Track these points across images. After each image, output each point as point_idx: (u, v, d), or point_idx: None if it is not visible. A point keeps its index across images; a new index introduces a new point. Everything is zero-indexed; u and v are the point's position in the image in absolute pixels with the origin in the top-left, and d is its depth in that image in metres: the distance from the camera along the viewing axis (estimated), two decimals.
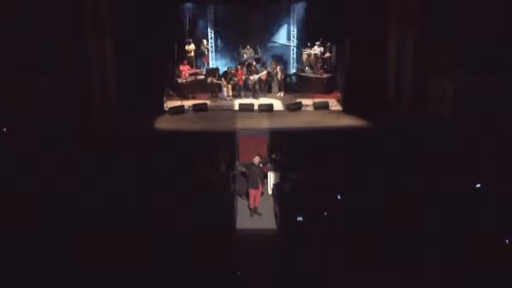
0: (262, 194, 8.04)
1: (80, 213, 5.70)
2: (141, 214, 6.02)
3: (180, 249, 5.37)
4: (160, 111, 10.97)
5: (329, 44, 12.39)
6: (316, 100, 11.51)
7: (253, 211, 7.89)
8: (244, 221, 7.64)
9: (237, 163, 9.05)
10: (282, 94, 12.54)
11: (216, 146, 9.01)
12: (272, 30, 13.25)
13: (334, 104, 11.54)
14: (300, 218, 6.45)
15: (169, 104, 11.45)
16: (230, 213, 7.13)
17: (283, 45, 13.16)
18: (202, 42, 12.88)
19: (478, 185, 6.25)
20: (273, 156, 9.10)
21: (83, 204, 5.97)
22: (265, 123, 10.46)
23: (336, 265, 5.08)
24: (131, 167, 7.49)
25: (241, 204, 8.21)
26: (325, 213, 6.40)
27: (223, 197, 7.21)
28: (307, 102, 11.59)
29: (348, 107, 10.89)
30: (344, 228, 5.80)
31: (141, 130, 9.57)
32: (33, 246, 4.84)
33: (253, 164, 7.78)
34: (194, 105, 11.38)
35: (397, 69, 9.77)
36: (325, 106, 11.30)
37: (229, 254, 5.80)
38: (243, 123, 10.37)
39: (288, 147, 9.06)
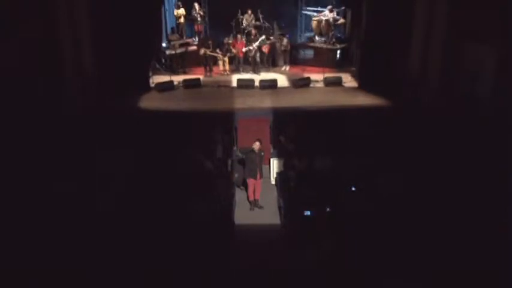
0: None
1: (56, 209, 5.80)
2: (123, 209, 6.07)
3: (171, 247, 5.42)
4: (145, 87, 10.89)
5: (343, 8, 12.14)
6: (328, 75, 11.42)
7: (254, 204, 7.88)
8: (243, 215, 7.65)
9: (235, 149, 9.04)
10: (287, 68, 12.44)
11: (211, 128, 8.97)
12: None
13: (348, 80, 11.46)
14: (307, 213, 6.45)
15: (156, 79, 11.36)
16: (228, 207, 7.17)
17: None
18: (193, 6, 12.60)
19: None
20: (277, 140, 9.06)
21: (57, 200, 6.02)
22: (267, 102, 10.38)
23: (346, 267, 5.15)
24: (110, 154, 7.47)
25: (240, 196, 8.23)
26: (337, 207, 6.41)
27: (219, 187, 7.21)
28: (316, 77, 11.52)
29: (365, 83, 10.79)
30: (358, 224, 5.81)
31: (122, 110, 9.48)
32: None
33: (252, 150, 7.67)
34: (185, 80, 11.29)
35: (424, 37, 9.44)
36: (337, 82, 11.22)
37: (227, 252, 5.87)
38: (242, 102, 10.29)
39: (294, 130, 9.00)
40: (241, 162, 8.21)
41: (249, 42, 11.98)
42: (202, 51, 11.87)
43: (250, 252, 6.26)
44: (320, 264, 5.36)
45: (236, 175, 8.41)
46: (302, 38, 13.23)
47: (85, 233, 5.38)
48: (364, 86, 10.76)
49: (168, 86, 11.04)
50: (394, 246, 5.33)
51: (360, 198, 6.39)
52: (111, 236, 5.39)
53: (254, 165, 7.71)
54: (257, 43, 11.73)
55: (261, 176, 7.89)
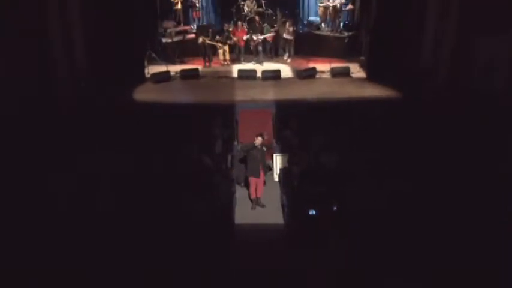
0: (264, 183, 7.95)
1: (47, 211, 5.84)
2: (117, 208, 6.04)
3: (168, 248, 5.43)
4: (141, 78, 10.89)
5: None
6: (334, 65, 11.38)
7: (255, 202, 7.84)
8: (244, 214, 7.61)
9: (235, 143, 8.99)
10: (291, 58, 12.32)
11: (210, 122, 8.93)
12: None
13: (356, 70, 11.44)
14: (312, 212, 6.42)
15: (152, 69, 11.34)
16: (227, 205, 7.11)
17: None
18: None
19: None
20: (281, 134, 9.02)
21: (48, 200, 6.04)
22: (270, 93, 10.35)
23: (353, 269, 5.15)
24: (104, 149, 7.45)
25: (240, 194, 8.18)
26: (344, 206, 6.37)
27: (219, 185, 7.15)
28: (322, 67, 11.50)
29: (374, 74, 10.77)
30: (366, 224, 5.78)
31: (115, 102, 9.46)
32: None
33: (254, 146, 7.63)
34: (182, 71, 11.26)
35: (437, 25, 9.37)
36: (345, 72, 11.19)
37: (227, 254, 5.85)
38: (243, 94, 10.27)
39: (299, 123, 8.96)
40: (242, 158, 8.16)
41: (251, 30, 11.89)
42: (200, 39, 11.82)
43: (251, 253, 6.22)
44: (325, 266, 5.35)
45: (237, 172, 8.36)
46: (304, 25, 13.09)
47: (80, 234, 5.44)
48: (373, 76, 10.74)
49: (164, 77, 11.01)
50: (402, 246, 5.34)
51: (367, 196, 6.33)
52: (106, 236, 5.44)
53: (256, 161, 7.66)
54: (263, 36, 11.63)
55: (264, 173, 7.85)
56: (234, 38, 11.88)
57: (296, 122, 9.03)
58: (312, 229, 6.21)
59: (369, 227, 5.74)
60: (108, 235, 5.45)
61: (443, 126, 8.01)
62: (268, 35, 11.92)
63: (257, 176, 7.69)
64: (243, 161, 8.07)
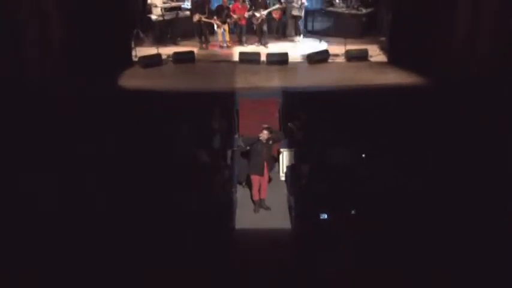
0: (270, 180, 7.98)
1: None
2: (99, 209, 6.15)
3: (158, 258, 5.50)
4: (127, 62, 10.90)
5: None
6: (350, 47, 11.38)
7: (259, 204, 7.88)
8: (245, 218, 7.66)
9: (236, 137, 9.01)
10: (300, 39, 12.32)
11: (207, 113, 8.95)
12: None
13: (375, 53, 11.43)
14: (323, 215, 6.45)
15: (140, 51, 11.34)
16: (227, 208, 7.14)
17: None
18: None
19: None
20: (288, 127, 9.02)
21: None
22: (276, 80, 10.37)
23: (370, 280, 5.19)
24: (84, 145, 7.48)
25: (242, 194, 8.23)
26: (360, 209, 6.41)
27: (216, 184, 7.20)
28: (336, 50, 11.49)
29: (396, 57, 10.75)
30: (387, 231, 5.85)
31: (97, 90, 9.45)
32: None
33: (258, 140, 7.67)
34: (175, 54, 11.26)
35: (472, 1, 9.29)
36: (362, 56, 11.18)
37: (227, 263, 5.89)
38: (245, 81, 10.29)
39: (309, 114, 8.96)
40: (244, 154, 8.18)
41: (254, 6, 11.89)
42: (196, 17, 11.81)
43: (253, 262, 6.27)
44: (338, 278, 5.40)
45: (237, 169, 8.40)
46: (318, 2, 13.07)
47: (70, 236, 5.60)
48: (395, 60, 10.72)
49: (154, 61, 11.03)
50: (424, 257, 5.43)
51: (387, 198, 6.36)
52: (96, 238, 5.59)
53: (260, 158, 7.66)
54: (267, 11, 11.63)
55: (269, 171, 7.88)
56: (235, 16, 11.87)
57: (306, 113, 9.03)
58: (323, 235, 6.25)
59: (389, 234, 5.80)
60: (96, 237, 5.59)
61: (479, 119, 7.96)
62: (274, 9, 11.87)
63: (261, 174, 7.72)
64: (245, 157, 8.11)
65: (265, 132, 7.64)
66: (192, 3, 12.56)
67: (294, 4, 11.94)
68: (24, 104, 8.21)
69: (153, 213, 6.10)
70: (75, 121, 8.20)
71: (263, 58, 11.17)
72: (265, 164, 7.71)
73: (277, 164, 8.68)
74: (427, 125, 8.07)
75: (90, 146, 7.54)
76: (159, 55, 11.17)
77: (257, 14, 11.81)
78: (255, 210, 7.85)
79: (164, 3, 12.34)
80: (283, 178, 8.58)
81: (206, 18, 11.81)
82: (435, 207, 6.10)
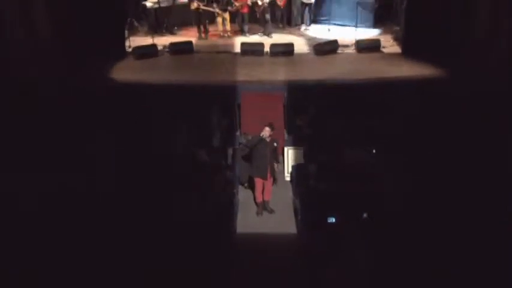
0: (274, 181, 8.00)
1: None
2: (86, 214, 6.12)
3: (153, 265, 5.48)
4: (120, 53, 10.93)
5: None
6: (361, 37, 11.38)
7: (262, 207, 7.88)
8: (248, 221, 7.66)
9: (237, 134, 9.02)
10: (307, 28, 12.31)
11: (206, 108, 8.97)
12: None
13: (388, 43, 11.45)
14: (331, 219, 6.47)
15: (134, 42, 11.39)
16: (227, 211, 7.14)
17: None
18: None
19: None
20: (294, 123, 9.04)
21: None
22: (281, 73, 10.37)
23: None
24: (74, 142, 7.49)
25: (243, 196, 8.24)
26: (372, 212, 6.40)
27: (216, 186, 7.21)
28: (346, 40, 11.50)
29: (411, 48, 10.73)
30: (403, 237, 5.80)
31: (88, 83, 9.47)
32: None
33: (261, 138, 7.65)
34: (172, 44, 11.29)
35: None
36: (374, 46, 11.22)
37: (227, 271, 5.87)
38: (247, 74, 10.28)
39: (317, 110, 8.98)
40: (247, 153, 8.17)
41: None
42: (194, 4, 11.82)
43: (256, 270, 6.25)
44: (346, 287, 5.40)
45: (239, 169, 8.41)
46: None
47: (56, 237, 5.65)
48: (411, 51, 10.71)
49: (149, 51, 11.06)
50: (444, 264, 5.41)
51: (403, 200, 6.35)
52: (83, 244, 5.60)
53: (264, 158, 7.65)
54: None
55: (273, 172, 7.89)
56: (236, 3, 11.86)
57: (313, 108, 9.04)
58: (331, 241, 6.23)
59: (404, 240, 5.77)
60: (89, 243, 5.62)
61: (498, 117, 7.87)
62: None
63: (265, 177, 7.72)
64: (248, 156, 8.10)
65: (267, 129, 7.62)
66: None
67: None
68: (10, 98, 8.22)
69: (146, 217, 6.09)
70: (65, 118, 8.19)
71: (267, 49, 11.19)
72: (268, 164, 7.70)
73: (282, 163, 8.68)
74: (444, 121, 8.03)
75: (80, 144, 7.55)
76: (154, 45, 11.20)
77: (260, 2, 11.78)
78: (258, 213, 7.85)
79: None
80: (288, 178, 8.58)
81: (205, 5, 11.82)
82: (456, 209, 6.07)
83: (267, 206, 7.88)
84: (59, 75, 9.31)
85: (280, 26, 12.59)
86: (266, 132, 7.60)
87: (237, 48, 11.32)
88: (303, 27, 12.41)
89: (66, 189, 6.51)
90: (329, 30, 12.21)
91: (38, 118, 8.06)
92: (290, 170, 8.58)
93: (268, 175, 7.72)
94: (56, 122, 8.04)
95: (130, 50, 11.14)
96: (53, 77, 9.26)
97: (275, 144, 7.80)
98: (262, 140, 7.61)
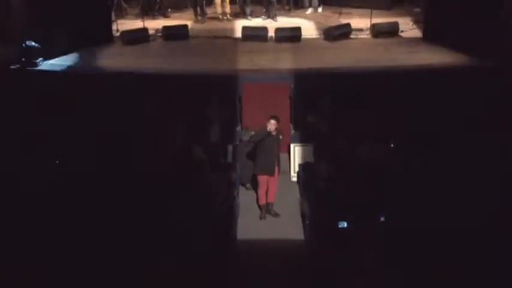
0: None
1: None
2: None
3: (140, 275, 5.45)
4: (106, 37, 10.96)
5: None
6: (377, 20, 11.39)
7: (266, 210, 7.90)
8: (250, 226, 7.67)
9: (239, 129, 9.05)
10: (317, 10, 12.31)
11: (203, 100, 8.98)
12: None
13: (407, 27, 11.48)
14: (343, 224, 6.45)
15: (122, 25, 11.42)
16: (226, 214, 7.11)
17: None
18: None
19: None
20: (302, 117, 9.04)
21: None
22: (287, 61, 10.37)
23: None
24: (54, 137, 7.50)
25: (245, 198, 8.26)
26: (391, 216, 6.37)
27: (214, 186, 7.15)
28: (360, 23, 11.56)
29: (434, 33, 10.74)
30: (424, 245, 5.74)
31: (70, 71, 9.47)
32: None
33: (266, 132, 7.64)
34: (165, 28, 11.31)
35: None
36: (392, 31, 11.25)
37: (227, 282, 5.86)
38: (249, 62, 10.30)
39: (328, 102, 8.98)
40: (249, 149, 8.21)
41: None
42: None
43: (258, 281, 6.25)
44: None
45: (240, 168, 8.41)
46: None
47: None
48: (433, 36, 10.73)
49: (140, 37, 11.09)
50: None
51: (426, 204, 6.30)
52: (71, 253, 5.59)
53: (270, 152, 7.65)
54: None
55: (278, 170, 7.87)
56: None
57: (324, 100, 9.04)
58: (344, 249, 6.14)
59: (428, 249, 5.71)
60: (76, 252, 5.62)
61: None
62: None
63: (271, 173, 7.71)
64: (252, 152, 8.12)
65: (272, 122, 7.60)
66: None
67: None
68: None
69: (138, 221, 6.04)
70: (41, 109, 8.22)
71: (271, 34, 11.21)
72: (275, 161, 7.70)
73: (287, 161, 8.69)
74: (471, 115, 8.02)
75: (58, 140, 7.59)
76: (145, 30, 11.23)
77: None
78: (261, 217, 7.87)
79: None
80: (294, 179, 8.60)
81: None
82: (489, 213, 6.03)
83: (271, 209, 7.89)
84: (35, 61, 9.33)
85: (287, 8, 12.60)
86: (272, 125, 7.59)
87: (238, 33, 11.34)
88: (311, 10, 12.39)
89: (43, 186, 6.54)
90: (341, 12, 12.17)
91: (13, 109, 8.10)
92: (296, 169, 8.58)
93: (276, 172, 7.73)
94: (35, 114, 8.07)
95: (117, 34, 11.17)
96: (30, 61, 9.30)
97: (280, 137, 7.81)
98: (266, 132, 7.61)
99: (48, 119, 7.99)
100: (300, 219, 7.75)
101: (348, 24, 11.35)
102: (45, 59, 9.69)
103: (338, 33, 11.14)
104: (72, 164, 7.21)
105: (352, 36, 11.22)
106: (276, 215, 7.86)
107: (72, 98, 8.48)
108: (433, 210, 6.21)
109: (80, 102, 8.43)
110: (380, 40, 11.05)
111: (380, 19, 11.45)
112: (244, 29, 11.25)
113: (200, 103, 8.90)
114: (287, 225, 7.68)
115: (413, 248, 5.78)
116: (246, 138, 8.46)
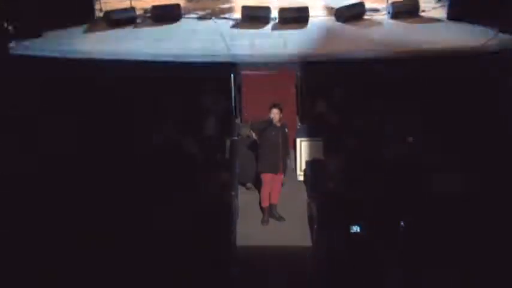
0: (282, 184, 7.98)
1: None
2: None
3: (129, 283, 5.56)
4: (87, 18, 11.00)
5: None
6: None
7: (269, 213, 7.89)
8: (251, 231, 7.65)
9: (237, 122, 9.08)
10: None
11: (198, 89, 9.01)
12: None
13: (429, 6, 11.51)
14: (355, 229, 6.45)
15: (106, 4, 11.47)
16: (225, 218, 7.08)
17: None
18: None
19: None
20: (310, 108, 9.07)
21: None
22: (292, 45, 10.34)
23: None
24: (32, 132, 7.58)
25: (246, 200, 8.26)
26: (411, 220, 6.34)
27: (211, 186, 7.21)
28: (375, 2, 11.67)
29: (459, 12, 10.77)
30: (446, 252, 5.81)
31: (48, 56, 9.50)
32: None
33: (269, 123, 7.60)
34: (155, 8, 11.34)
35: None
36: (412, 10, 11.25)
37: None
38: (249, 46, 10.32)
39: (340, 92, 9.02)
40: (250, 144, 8.23)
41: None
42: None
43: None
44: None
45: (240, 165, 8.42)
46: None
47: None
48: (457, 16, 10.78)
49: (126, 17, 11.11)
50: None
51: (451, 206, 6.33)
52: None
53: (275, 147, 7.60)
54: None
55: (284, 168, 7.86)
56: None
57: (336, 90, 9.08)
58: (356, 256, 6.21)
59: (450, 257, 5.78)
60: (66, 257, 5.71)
61: None
62: None
63: (275, 171, 7.67)
64: (251, 146, 8.13)
65: (275, 111, 7.52)
66: None
67: None
68: None
69: (125, 223, 6.13)
70: (20, 100, 8.28)
71: (274, 14, 11.20)
72: (280, 156, 7.65)
73: (292, 159, 8.69)
74: (499, 104, 8.10)
75: (38, 133, 7.67)
76: (132, 9, 11.25)
77: None
78: (263, 221, 7.85)
79: None
80: (301, 178, 8.61)
81: None
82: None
83: (275, 212, 7.87)
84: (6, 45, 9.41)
85: None
86: (275, 114, 7.51)
87: (237, 13, 11.36)
88: None
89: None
90: None
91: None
92: (304, 167, 8.58)
93: (279, 170, 7.70)
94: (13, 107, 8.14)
95: (101, 14, 11.21)
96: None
97: (286, 130, 7.75)
98: (271, 124, 7.54)
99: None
100: (307, 223, 7.74)
101: (362, 3, 11.34)
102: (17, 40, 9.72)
103: (350, 14, 11.15)
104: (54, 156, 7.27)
105: (366, 16, 11.24)
106: (280, 218, 7.84)
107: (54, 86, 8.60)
108: (456, 210, 6.26)
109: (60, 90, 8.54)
110: (399, 21, 11.08)
111: None
112: (244, 8, 11.22)
113: (193, 91, 8.96)
114: (292, 229, 7.67)
115: (437, 256, 5.83)
116: (246, 132, 8.43)
